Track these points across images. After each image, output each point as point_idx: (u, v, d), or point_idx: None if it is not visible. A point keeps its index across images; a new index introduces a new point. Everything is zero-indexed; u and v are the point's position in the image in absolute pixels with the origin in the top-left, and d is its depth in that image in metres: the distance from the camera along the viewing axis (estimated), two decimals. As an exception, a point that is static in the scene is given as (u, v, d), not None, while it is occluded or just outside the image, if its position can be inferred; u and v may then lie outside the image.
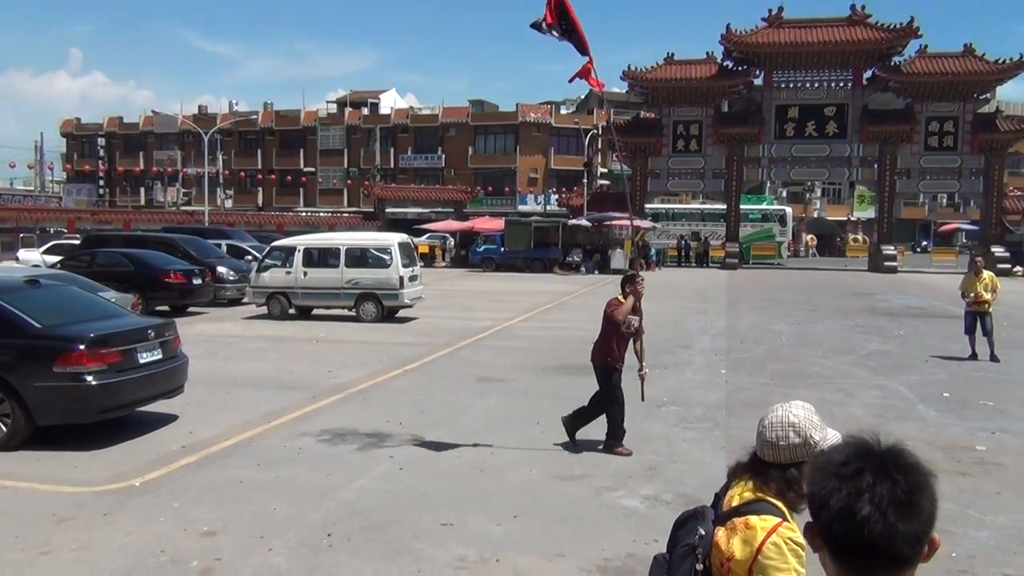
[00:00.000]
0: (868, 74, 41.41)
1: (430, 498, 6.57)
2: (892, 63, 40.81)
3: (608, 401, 8.25)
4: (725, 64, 42.86)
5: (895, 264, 41.16)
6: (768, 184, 56.60)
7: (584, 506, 6.48)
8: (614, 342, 8.29)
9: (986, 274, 14.31)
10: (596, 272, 36.31)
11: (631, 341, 8.37)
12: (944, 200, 67.06)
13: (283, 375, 11.91)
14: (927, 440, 8.62)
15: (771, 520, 2.25)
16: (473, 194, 53.73)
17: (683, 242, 45.19)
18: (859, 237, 61.26)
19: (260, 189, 68.24)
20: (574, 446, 8.18)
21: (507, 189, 61.71)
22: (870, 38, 40.22)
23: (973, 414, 9.92)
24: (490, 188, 60.67)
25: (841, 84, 41.77)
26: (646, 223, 41.50)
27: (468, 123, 65.23)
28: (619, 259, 37.03)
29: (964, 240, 60.58)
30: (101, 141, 71.99)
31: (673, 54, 43.51)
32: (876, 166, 41.78)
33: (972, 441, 8.62)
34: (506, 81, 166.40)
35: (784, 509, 2.33)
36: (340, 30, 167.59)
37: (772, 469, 2.37)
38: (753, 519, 2.28)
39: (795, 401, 2.45)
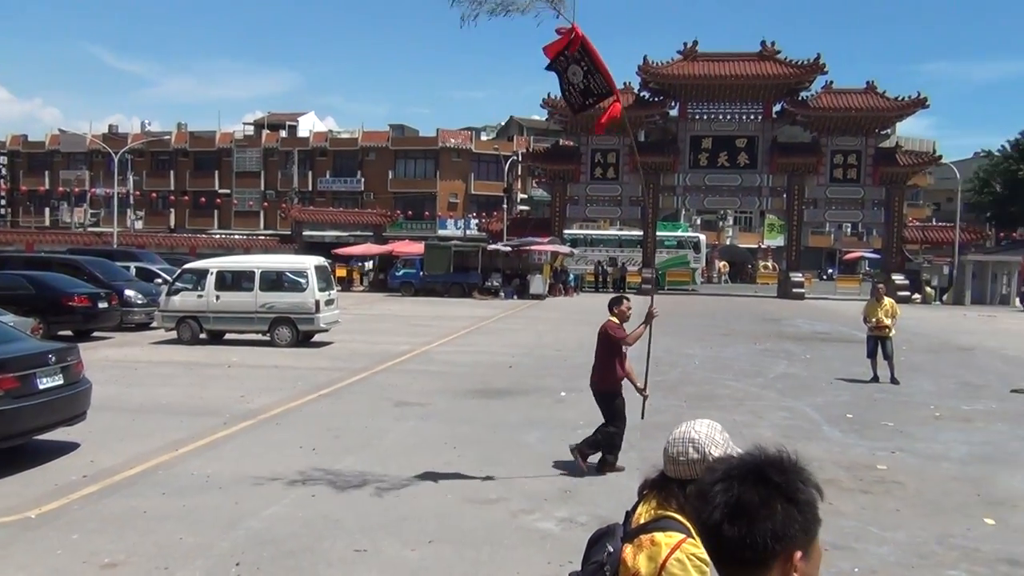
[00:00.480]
0: (777, 108, 43.02)
1: (343, 524, 6.45)
2: (800, 98, 42.52)
3: (617, 422, 8.38)
4: (642, 95, 43.93)
5: (803, 291, 42.60)
6: (683, 212, 57.99)
7: (500, 530, 6.47)
8: (616, 364, 8.48)
9: (887, 301, 14.93)
10: (515, 297, 36.48)
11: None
12: (849, 229, 69.92)
13: (193, 401, 11.56)
14: (832, 460, 8.91)
15: (676, 536, 2.28)
16: (393, 218, 53.52)
17: (600, 268, 45.87)
18: (769, 264, 63.25)
19: (172, 211, 66.54)
20: (585, 471, 8.12)
21: (427, 213, 61.65)
22: (779, 73, 41.81)
23: (874, 434, 10.30)
24: (410, 212, 60.55)
25: (752, 117, 43.25)
26: (564, 248, 41.98)
27: (388, 147, 65.07)
28: (538, 284, 37.30)
29: (867, 268, 63.16)
30: (3, 160, 69.13)
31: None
32: (785, 196, 43.28)
33: (873, 460, 8.94)
34: (427, 106, 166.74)
35: (689, 525, 2.33)
36: (257, 51, 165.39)
37: (674, 485, 2.41)
38: (658, 535, 2.31)
39: (702, 419, 2.50)
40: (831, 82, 42.65)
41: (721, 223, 73.73)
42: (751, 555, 1.44)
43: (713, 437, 2.41)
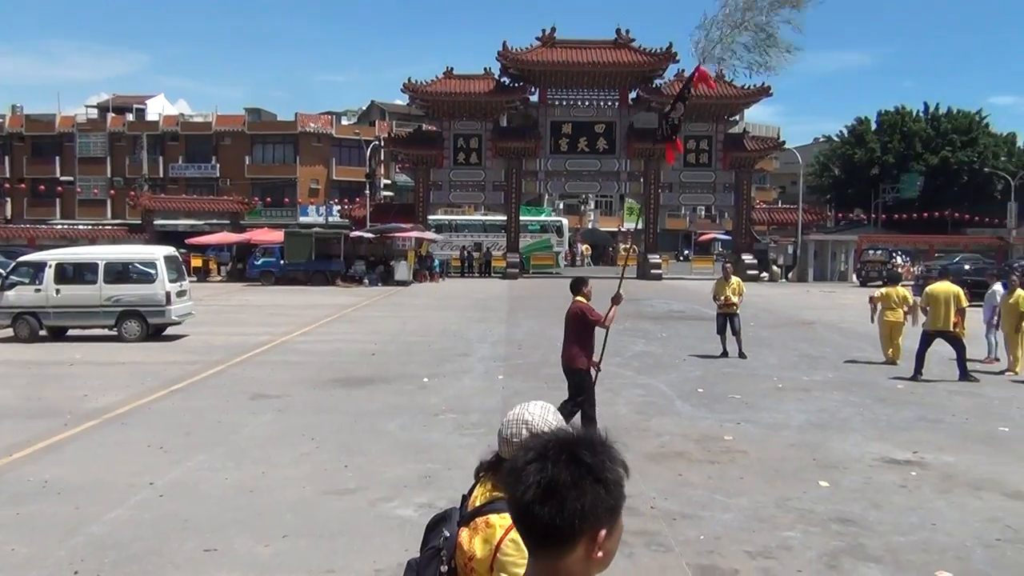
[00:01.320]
0: (633, 95, 44.21)
1: (193, 524, 6.22)
2: (654, 85, 43.84)
3: (584, 396, 8.89)
4: (502, 80, 44.20)
5: (660, 272, 44.10)
6: (546, 196, 58.85)
7: (357, 519, 6.40)
8: (586, 344, 8.93)
9: (734, 280, 15.67)
10: (380, 284, 36.08)
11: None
12: (703, 212, 72.87)
13: (30, 403, 10.86)
14: (682, 433, 9.30)
15: (510, 517, 2.32)
16: (251, 205, 51.75)
17: (466, 253, 46.01)
18: (629, 247, 65.09)
19: (8, 200, 61.94)
20: None
21: (287, 200, 59.95)
22: (634, 61, 42.98)
23: (722, 407, 10.81)
24: (269, 199, 58.67)
25: (609, 103, 44.29)
26: (429, 234, 41.84)
27: (244, 132, 62.74)
28: (403, 271, 37.03)
29: (720, 249, 66.00)
30: None
31: (452, 68, 44.31)
32: (642, 180, 44.62)
33: (721, 432, 9.39)
34: (286, 90, 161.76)
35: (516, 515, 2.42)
36: (100, 30, 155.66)
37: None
38: (493, 517, 2.31)
39: (536, 400, 2.52)
40: (683, 70, 44.07)
41: (583, 207, 75.30)
42: (559, 534, 1.48)
43: (546, 418, 2.43)
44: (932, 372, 13.30)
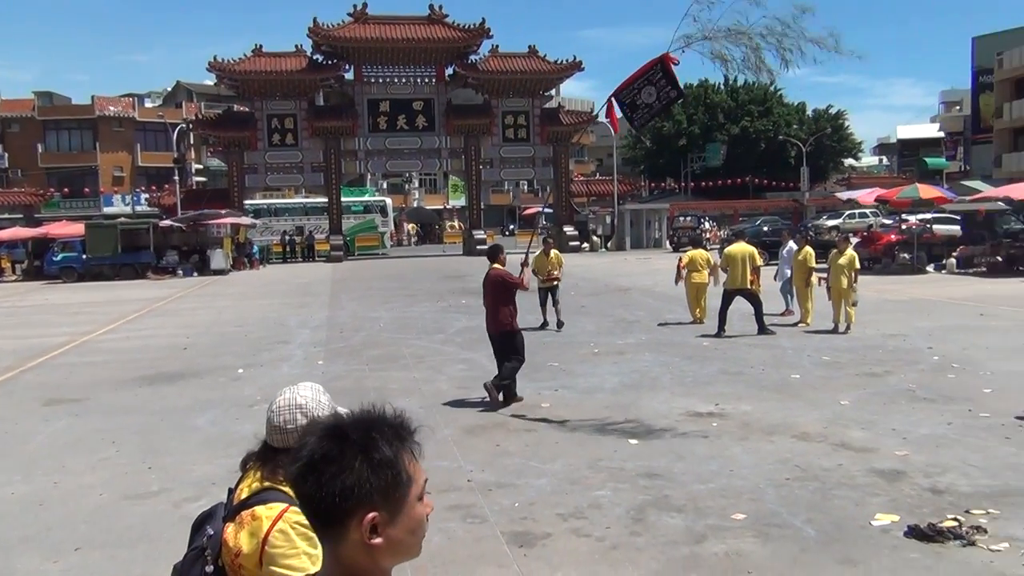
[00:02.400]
0: (450, 71, 44.21)
1: (-30, 547, 5.67)
2: (469, 61, 44.03)
3: (519, 356, 9.48)
4: (315, 58, 43.03)
5: (485, 247, 44.57)
6: (369, 176, 58.01)
7: (159, 523, 6.04)
8: (510, 307, 9.52)
9: (553, 253, 16.03)
10: (195, 274, 34.38)
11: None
12: (525, 186, 74.13)
13: None
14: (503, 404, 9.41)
15: (277, 507, 2.19)
16: (46, 197, 47.93)
17: (287, 237, 44.65)
18: (455, 224, 65.38)
19: None
20: (503, 402, 9.25)
21: (88, 190, 55.82)
22: (448, 36, 42.94)
23: (541, 375, 11.05)
24: (67, 190, 54.48)
25: (427, 80, 44.06)
26: (246, 220, 40.27)
27: (35, 118, 57.79)
28: (219, 259, 35.42)
29: (544, 222, 67.50)
30: None
31: (261, 46, 42.63)
32: (463, 157, 44.80)
33: (539, 400, 9.59)
34: (84, 72, 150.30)
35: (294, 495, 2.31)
36: None
37: (281, 455, 2.30)
38: (259, 509, 2.21)
39: (304, 382, 2.43)
40: (497, 46, 44.62)
41: (407, 186, 74.81)
42: (322, 512, 1.42)
43: (319, 400, 2.35)
44: (734, 328, 14.17)
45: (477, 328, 15.74)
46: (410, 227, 65.15)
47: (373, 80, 43.50)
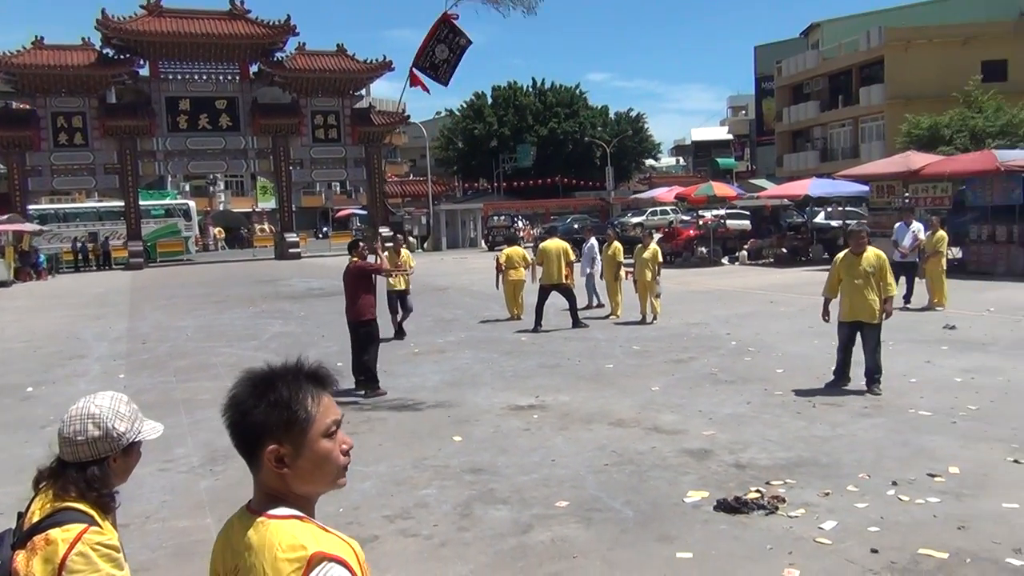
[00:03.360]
0: (254, 68, 42.63)
1: None
2: (275, 59, 42.64)
3: (374, 346, 10.09)
4: (105, 52, 40.17)
5: (299, 250, 43.41)
6: (169, 178, 54.97)
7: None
8: (369, 296, 10.12)
9: (404, 252, 15.25)
10: (-29, 287, 31.16)
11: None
12: (338, 188, 72.88)
13: None
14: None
15: (74, 528, 2.06)
16: None
17: (79, 244, 41.46)
18: (265, 227, 63.15)
19: None
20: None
21: None
22: (251, 33, 41.39)
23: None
24: None
25: (230, 77, 42.23)
26: (30, 226, 37.00)
27: None
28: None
29: (358, 224, 66.56)
30: None
31: (43, 38, 39.24)
32: (272, 158, 43.32)
33: (361, 402, 9.41)
34: None
35: (93, 513, 2.12)
36: None
37: (72, 470, 2.16)
38: (54, 532, 2.05)
39: (104, 392, 2.28)
40: (303, 44, 43.53)
41: (212, 188, 71.53)
42: (242, 444, 1.65)
43: (118, 410, 2.22)
44: (550, 323, 14.55)
45: (293, 334, 15.35)
46: (216, 231, 62.25)
47: (171, 77, 41.17)
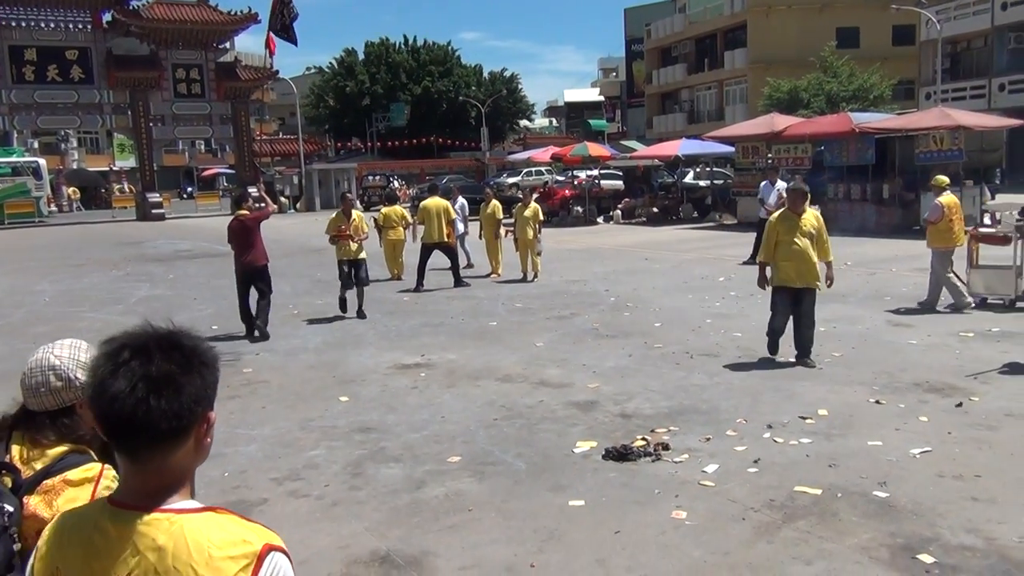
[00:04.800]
0: (108, 17, 39.93)
1: None
2: (131, 7, 40.06)
3: (270, 293, 10.75)
4: (-65, -6, 36.77)
5: (163, 211, 41.42)
6: (15, 134, 51.16)
7: None
8: (261, 242, 10.66)
9: (356, 214, 13.86)
10: None
11: None
12: (203, 146, 69.79)
13: None
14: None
15: (93, 467, 2.11)
16: None
17: (-88, 207, 38.17)
18: (124, 187, 59.88)
19: None
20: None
21: None
22: (103, -22, 38.72)
23: (240, 341, 10.52)
24: None
25: (81, 26, 39.39)
26: None
27: None
28: None
29: (225, 183, 64.04)
30: None
31: None
32: (130, 113, 40.90)
33: (239, 366, 9.12)
34: None
35: (91, 452, 2.18)
36: None
37: (44, 417, 2.17)
38: (73, 473, 2.09)
39: (63, 340, 2.26)
40: (162, -9, 41.09)
41: (64, 145, 66.98)
42: (178, 424, 1.42)
43: (78, 358, 2.19)
44: (431, 282, 14.48)
45: (162, 297, 14.72)
46: (70, 191, 58.45)
47: (15, 24, 38.06)
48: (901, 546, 4.37)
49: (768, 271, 8.49)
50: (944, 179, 11.58)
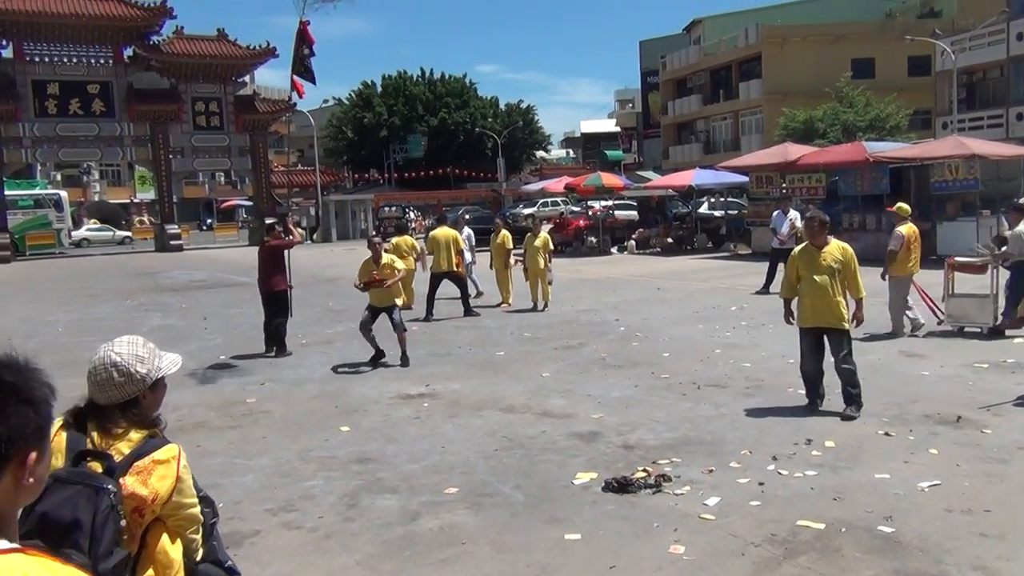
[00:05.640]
0: (129, 52, 40.62)
1: None
2: (152, 42, 40.75)
3: (286, 313, 11.56)
4: (-37, 31, 37.55)
5: (181, 242, 41.78)
6: (38, 167, 51.97)
7: None
8: (283, 270, 11.55)
9: (387, 258, 14.07)
10: None
11: None
12: (223, 178, 70.49)
13: None
14: (203, 403, 8.82)
15: (173, 448, 2.40)
16: None
17: (-64, 237, 38.66)
18: (144, 219, 60.58)
19: None
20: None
21: None
22: (125, 15, 39.39)
23: (247, 369, 10.51)
24: None
25: (103, 61, 40.11)
26: None
27: None
28: None
29: (244, 215, 64.62)
30: None
31: None
32: (150, 146, 41.46)
33: (243, 395, 9.09)
34: None
35: (163, 435, 2.47)
36: None
37: (115, 410, 2.38)
38: (159, 453, 2.36)
39: (122, 337, 2.47)
40: (182, 28, 41.80)
41: (86, 177, 67.99)
42: None
43: (136, 353, 2.41)
44: (441, 312, 14.44)
45: (174, 327, 14.75)
46: (92, 223, 59.20)
47: (38, 59, 38.78)
48: (905, 583, 4.23)
49: (794, 307, 7.90)
50: (906, 208, 11.59)
